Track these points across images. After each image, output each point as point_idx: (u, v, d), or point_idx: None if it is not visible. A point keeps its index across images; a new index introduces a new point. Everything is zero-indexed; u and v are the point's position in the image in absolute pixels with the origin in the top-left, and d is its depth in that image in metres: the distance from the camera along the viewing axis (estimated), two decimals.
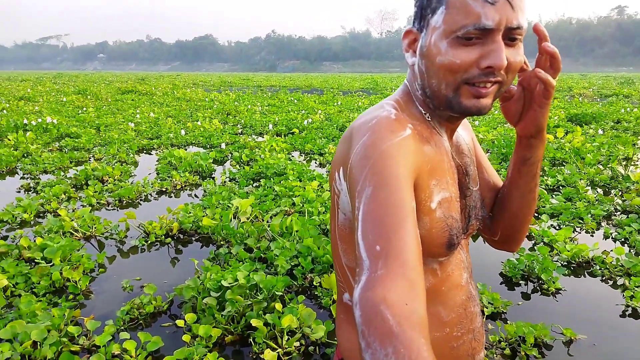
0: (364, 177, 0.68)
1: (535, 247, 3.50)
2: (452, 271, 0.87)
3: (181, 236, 3.82)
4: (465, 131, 0.98)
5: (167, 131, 8.27)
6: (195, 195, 4.97)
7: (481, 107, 0.74)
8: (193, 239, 3.79)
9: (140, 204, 4.71)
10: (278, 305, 2.43)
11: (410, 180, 0.70)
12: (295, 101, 15.07)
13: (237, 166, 6.15)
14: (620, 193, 4.78)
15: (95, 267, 3.25)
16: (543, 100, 0.79)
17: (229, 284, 2.49)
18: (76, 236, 3.74)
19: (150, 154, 7.13)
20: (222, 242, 3.63)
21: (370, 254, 0.62)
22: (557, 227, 3.90)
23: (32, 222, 4.11)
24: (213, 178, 5.48)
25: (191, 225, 3.83)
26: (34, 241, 3.30)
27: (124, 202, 4.71)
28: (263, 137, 7.96)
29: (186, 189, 5.19)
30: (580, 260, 3.32)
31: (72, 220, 3.83)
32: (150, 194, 4.99)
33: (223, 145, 6.67)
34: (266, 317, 2.34)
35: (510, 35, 0.71)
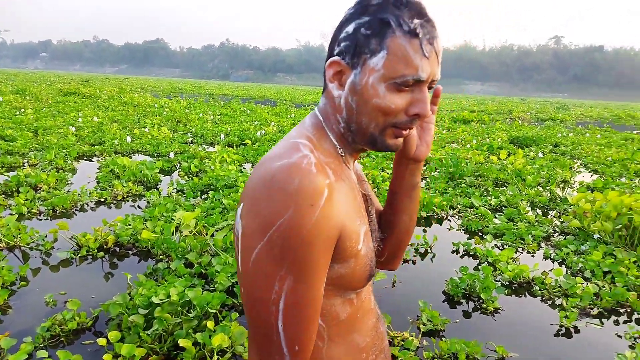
0: (287, 264, 0.68)
1: (479, 267, 3.58)
2: (364, 297, 0.89)
3: (117, 250, 3.63)
4: None
5: (112, 137, 7.88)
6: (138, 207, 4.74)
7: (399, 145, 0.81)
8: (130, 252, 3.60)
9: (76, 215, 4.43)
10: (210, 324, 2.32)
11: (326, 267, 0.73)
12: (248, 111, 14.91)
13: (186, 177, 5.94)
14: (558, 215, 5.03)
15: (16, 279, 3.01)
16: (429, 125, 0.91)
17: (160, 300, 2.38)
18: None
19: (91, 160, 6.76)
20: (161, 257, 3.47)
21: (290, 351, 0.70)
22: (501, 247, 4.02)
23: None
24: (158, 189, 5.25)
25: (129, 238, 3.65)
26: None
27: (58, 211, 4.41)
28: (214, 148, 7.77)
29: (128, 200, 4.94)
30: (522, 280, 3.43)
31: None
32: (88, 204, 4.71)
33: (172, 155, 6.44)
34: (196, 336, 2.24)
35: (429, 85, 0.78)
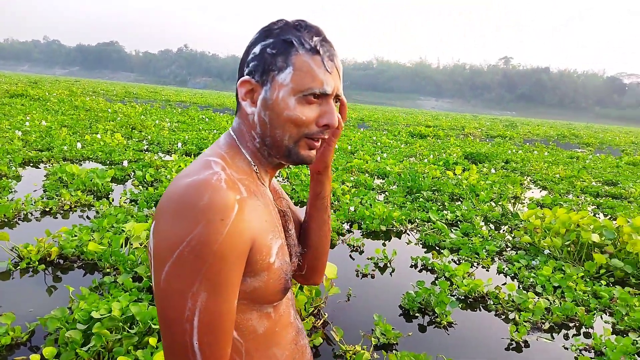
0: (199, 280, 0.69)
1: (436, 282, 3.64)
2: (283, 311, 0.91)
3: (61, 262, 3.43)
4: None
5: (61, 143, 7.48)
6: (87, 217, 4.51)
7: (312, 158, 0.86)
8: (75, 265, 3.42)
9: (19, 224, 4.16)
10: (152, 340, 2.23)
11: (238, 280, 0.74)
12: (207, 119, 14.64)
13: (140, 186, 5.72)
14: (510, 230, 5.21)
15: None
16: (332, 139, 0.95)
17: (101, 315, 2.28)
18: None
19: (37, 167, 6.39)
20: (108, 270, 3.32)
21: None
22: (457, 262, 4.11)
23: None
24: (108, 199, 5.03)
25: (74, 250, 3.46)
26: None
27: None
28: (171, 156, 7.56)
29: (76, 210, 4.69)
30: (477, 294, 3.51)
31: None
32: (32, 214, 4.43)
33: (125, 163, 6.18)
34: (137, 354, 2.14)
35: (335, 99, 0.86)
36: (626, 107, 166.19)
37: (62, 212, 4.60)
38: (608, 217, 5.94)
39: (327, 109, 0.83)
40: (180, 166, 6.44)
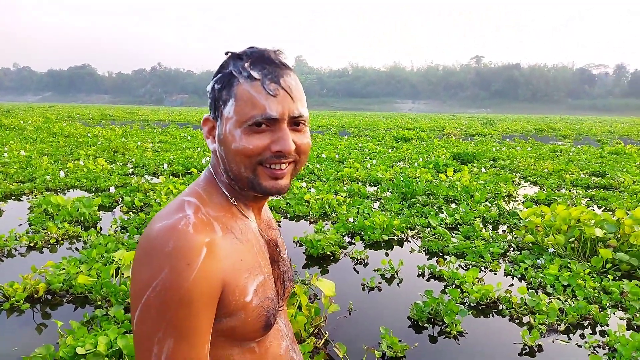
0: (165, 325, 0.69)
1: (446, 290, 3.56)
2: (270, 344, 0.89)
3: (50, 298, 3.28)
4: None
5: (43, 173, 7.23)
6: (76, 249, 4.32)
7: (280, 187, 0.83)
8: (64, 300, 3.25)
9: (2, 262, 3.97)
10: None
11: (209, 324, 0.74)
12: (189, 137, 14.43)
13: (129, 212, 5.54)
14: (509, 229, 5.18)
15: None
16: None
17: (86, 350, 2.17)
18: None
19: (20, 200, 6.15)
20: (100, 303, 3.16)
21: None
22: (465, 268, 4.04)
23: None
24: (96, 228, 4.84)
25: (61, 284, 3.31)
26: None
27: None
28: (158, 178, 7.37)
29: (63, 243, 4.49)
30: (488, 300, 3.44)
31: None
32: (16, 249, 4.23)
33: (112, 189, 5.98)
34: None
35: (295, 122, 0.82)
36: (597, 97, 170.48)
37: (48, 245, 4.40)
38: (603, 209, 5.97)
39: (279, 135, 0.80)
40: (169, 188, 6.26)
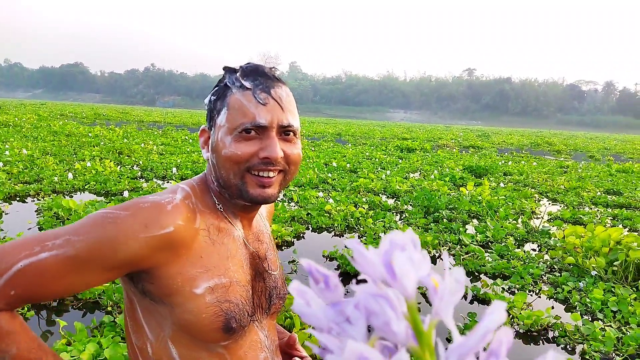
0: (74, 240, 0.76)
1: None
2: (244, 354, 0.90)
3: (56, 304, 3.08)
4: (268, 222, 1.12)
5: (51, 173, 6.94)
6: None
7: (267, 196, 0.86)
8: (72, 307, 3.07)
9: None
10: None
11: (93, 279, 0.78)
12: (191, 140, 14.16)
13: None
14: (539, 248, 5.01)
15: None
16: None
17: (72, 357, 2.10)
18: None
19: (24, 201, 5.86)
20: (110, 308, 2.97)
21: None
22: (509, 290, 3.86)
23: None
24: None
25: None
26: None
27: None
28: (168, 183, 7.12)
29: None
30: (539, 327, 3.26)
31: None
32: None
33: (126, 193, 5.72)
34: None
35: (285, 131, 0.86)
36: (586, 112, 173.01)
37: None
38: (628, 229, 5.85)
39: (267, 142, 0.83)
40: None
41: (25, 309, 2.91)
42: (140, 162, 8.73)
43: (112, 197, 5.81)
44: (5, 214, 5.26)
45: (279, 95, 0.84)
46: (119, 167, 8.16)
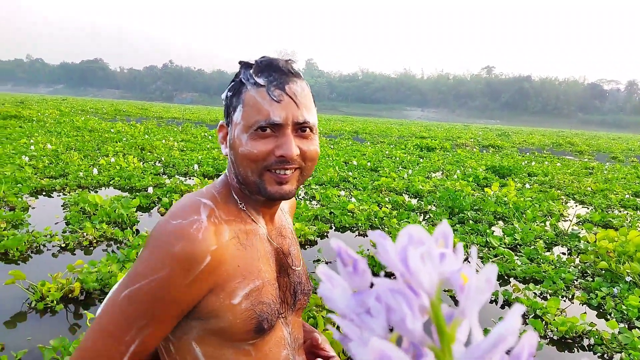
0: (150, 316, 0.76)
1: (527, 321, 3.28)
2: (269, 350, 0.88)
3: (83, 298, 3.11)
4: (290, 217, 1.12)
5: (76, 168, 7.01)
6: (113, 252, 4.08)
7: (284, 192, 0.85)
8: (98, 301, 3.09)
9: (34, 260, 3.76)
10: None
11: (176, 317, 0.79)
12: (210, 137, 14.22)
13: None
14: (568, 252, 4.88)
15: None
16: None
17: None
18: None
19: (50, 196, 5.92)
20: None
21: None
22: (540, 295, 3.75)
23: None
24: (133, 229, 4.60)
25: (96, 284, 3.14)
26: None
27: (12, 255, 3.72)
28: (192, 179, 7.13)
29: (96, 245, 4.22)
30: (574, 334, 3.16)
31: None
32: (46, 247, 4.03)
33: (150, 189, 5.74)
34: None
35: (301, 128, 0.85)
36: (608, 112, 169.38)
37: (82, 248, 4.15)
38: None
39: (283, 140, 0.82)
40: None
41: (54, 302, 2.93)
42: (162, 159, 8.78)
43: (137, 193, 5.84)
44: (32, 208, 5.31)
45: (294, 91, 0.83)
46: (142, 163, 8.22)
